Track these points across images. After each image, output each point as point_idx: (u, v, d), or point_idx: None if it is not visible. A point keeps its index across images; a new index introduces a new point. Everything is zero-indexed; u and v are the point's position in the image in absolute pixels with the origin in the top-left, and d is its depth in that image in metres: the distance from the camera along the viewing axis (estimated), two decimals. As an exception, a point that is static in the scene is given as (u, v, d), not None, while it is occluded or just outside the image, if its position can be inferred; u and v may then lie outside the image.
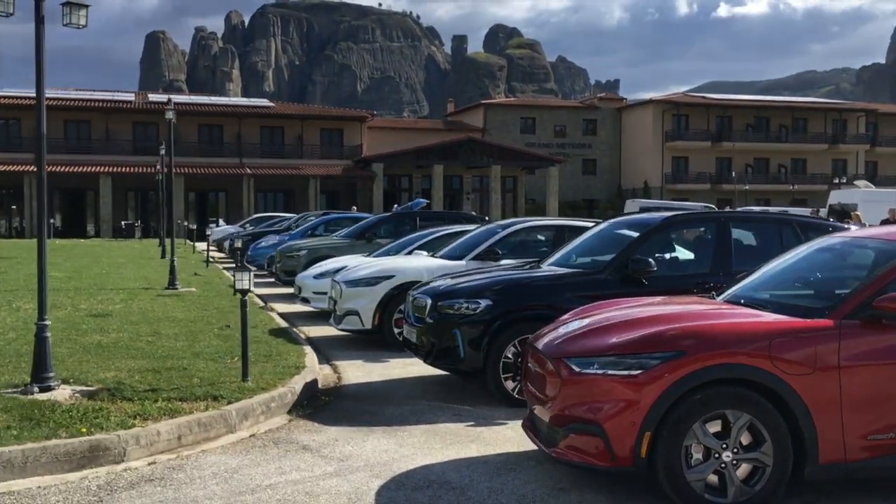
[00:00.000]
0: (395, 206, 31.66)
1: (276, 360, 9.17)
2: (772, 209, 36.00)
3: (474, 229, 13.57)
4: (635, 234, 8.72)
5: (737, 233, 8.54)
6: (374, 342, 11.30)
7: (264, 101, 64.97)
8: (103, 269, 20.42)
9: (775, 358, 4.82)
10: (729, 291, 6.31)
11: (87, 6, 7.86)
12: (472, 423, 7.27)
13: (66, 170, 48.81)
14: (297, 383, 8.10)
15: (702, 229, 8.75)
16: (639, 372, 4.87)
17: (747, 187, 61.54)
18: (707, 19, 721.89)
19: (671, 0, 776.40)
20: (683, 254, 8.62)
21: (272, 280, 19.94)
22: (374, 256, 14.83)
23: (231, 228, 36.54)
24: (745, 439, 4.86)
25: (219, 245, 31.71)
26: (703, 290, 7.60)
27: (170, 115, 17.68)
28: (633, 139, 69.46)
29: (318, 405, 7.93)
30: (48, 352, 7.41)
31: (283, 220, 30.93)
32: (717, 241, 8.42)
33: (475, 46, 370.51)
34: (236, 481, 5.68)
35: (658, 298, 6.35)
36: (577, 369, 5.12)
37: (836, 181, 60.07)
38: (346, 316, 11.18)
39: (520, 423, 6.33)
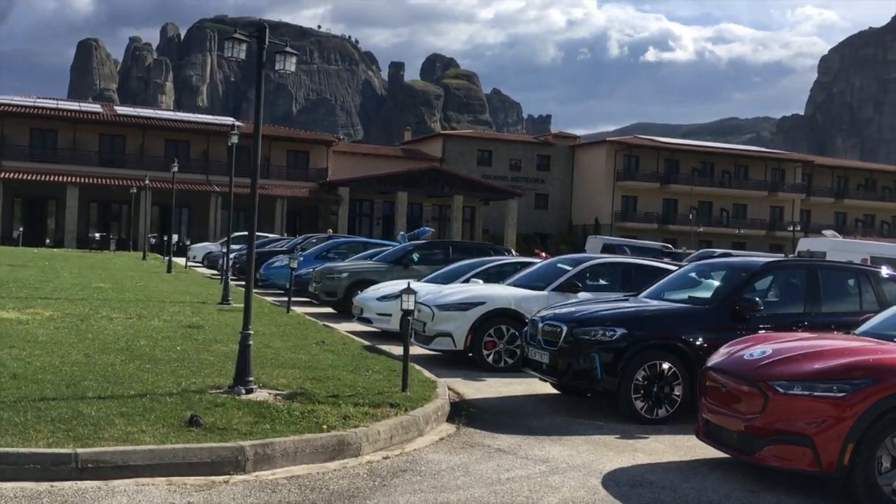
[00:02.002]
0: (402, 233, 32.60)
1: (400, 374, 10.15)
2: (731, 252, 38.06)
3: (536, 262, 14.91)
4: (720, 276, 10.08)
5: (822, 279, 9.91)
6: (459, 362, 12.32)
7: (230, 120, 65.24)
8: (137, 283, 20.96)
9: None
10: (862, 329, 7.61)
11: None
12: (618, 435, 8.38)
13: (32, 177, 48.45)
14: (443, 396, 9.12)
15: (794, 275, 10.09)
16: (843, 395, 6.08)
17: (700, 229, 64.13)
18: (636, 62, 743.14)
19: (603, 42, 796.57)
20: (777, 295, 9.91)
21: (301, 299, 20.83)
22: (425, 282, 15.93)
23: (212, 246, 36.96)
24: (924, 451, 6.11)
25: (210, 262, 32.19)
26: (796, 328, 8.95)
27: (234, 139, 18.48)
28: (585, 177, 71.73)
29: (467, 416, 8.93)
30: (250, 358, 8.32)
31: (277, 240, 31.63)
32: (807, 285, 9.78)
33: (412, 74, 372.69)
34: (477, 474, 6.69)
35: (806, 334, 7.62)
36: (781, 391, 6.32)
37: (799, 229, 62.98)
38: (438, 337, 12.21)
39: (650, 437, 7.57)
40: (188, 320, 13.79)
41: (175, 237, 45.83)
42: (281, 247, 28.77)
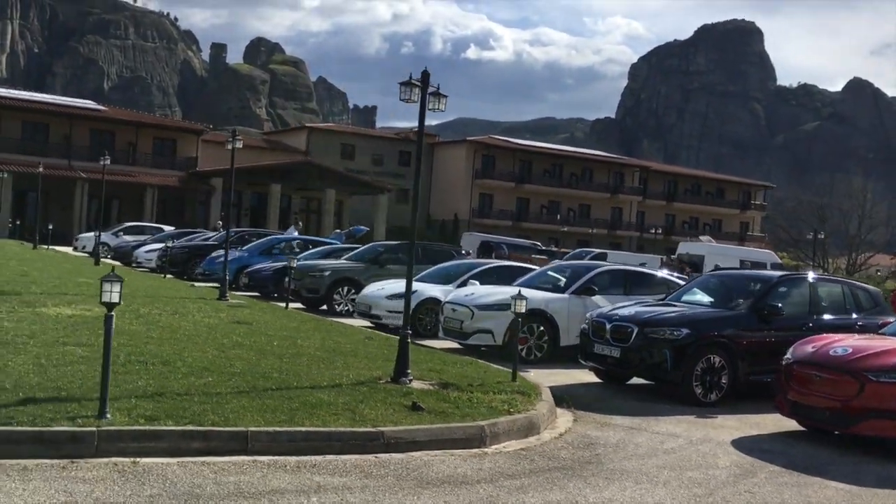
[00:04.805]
0: (337, 230, 33.37)
1: (477, 365, 11.76)
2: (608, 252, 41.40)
3: (517, 265, 16.78)
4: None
5: (820, 289, 12.40)
6: (492, 356, 13.98)
7: (91, 103, 62.93)
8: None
9: None
10: (885, 331, 10.02)
11: None
12: (694, 415, 10.37)
13: None
14: (543, 385, 10.82)
15: (799, 285, 12.50)
16: (921, 381, 8.38)
17: (566, 228, 67.90)
18: (458, 59, 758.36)
19: (426, 36, 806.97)
20: (787, 301, 12.23)
21: (253, 294, 21.73)
22: (416, 281, 17.41)
23: (107, 237, 36.24)
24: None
25: (122, 255, 31.86)
26: (804, 331, 11.30)
27: (239, 144, 19.09)
28: (444, 173, 74.23)
29: (565, 404, 10.67)
30: (408, 353, 9.72)
31: (200, 234, 31.81)
32: (809, 295, 12.23)
33: (235, 57, 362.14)
34: (644, 446, 8.49)
35: (856, 335, 9.94)
36: (874, 379, 8.54)
37: (658, 232, 67.76)
38: (477, 333, 13.88)
39: (719, 417, 9.81)
40: (239, 317, 14.67)
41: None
42: (206, 240, 29.10)
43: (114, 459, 6.20)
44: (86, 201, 51.95)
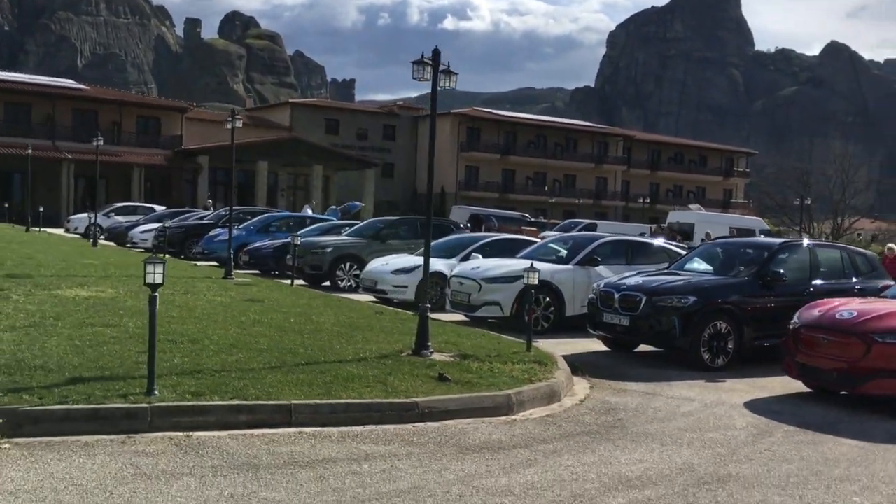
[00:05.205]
0: (332, 207, 33.49)
1: (490, 337, 12.06)
2: (604, 224, 41.79)
3: (519, 238, 17.07)
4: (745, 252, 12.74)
5: (820, 255, 12.77)
6: (501, 327, 14.29)
7: (72, 83, 62.44)
8: (108, 259, 21.26)
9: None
10: (890, 292, 10.39)
11: None
12: (704, 379, 10.73)
13: None
14: (557, 354, 11.14)
15: (798, 253, 12.86)
16: (924, 341, 8.75)
17: (553, 199, 68.15)
18: (435, 29, 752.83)
19: (403, 7, 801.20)
20: (788, 268, 12.58)
21: (253, 272, 21.95)
22: (418, 255, 17.67)
23: (99, 217, 36.14)
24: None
25: (116, 235, 31.90)
26: (805, 296, 11.64)
27: (239, 123, 19.18)
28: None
29: (579, 372, 10.99)
30: (428, 327, 10.01)
31: (194, 213, 31.88)
32: (810, 261, 12.59)
33: (209, 32, 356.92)
34: (663, 410, 8.83)
35: (859, 299, 10.30)
36: (880, 340, 8.90)
37: (645, 201, 68.14)
38: (485, 306, 14.19)
39: (728, 381, 10.19)
40: (252, 295, 14.90)
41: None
42: (202, 219, 29.20)
43: (168, 434, 6.46)
44: (72, 182, 51.70)
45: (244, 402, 6.94)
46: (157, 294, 7.02)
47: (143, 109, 58.76)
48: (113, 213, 37.49)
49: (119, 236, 31.48)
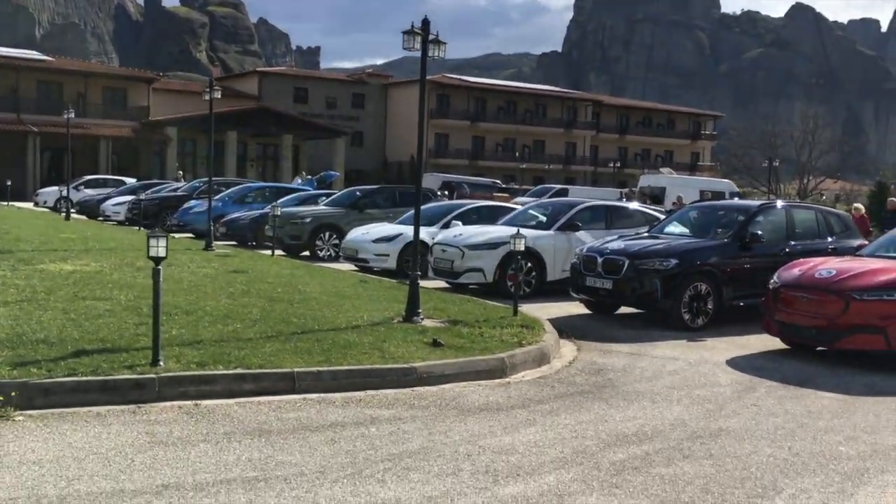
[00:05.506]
0: (308, 177, 33.28)
1: (475, 303, 12.28)
2: (575, 188, 42.09)
3: (501, 206, 17.24)
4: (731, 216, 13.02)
5: (795, 216, 13.09)
6: (484, 293, 14.52)
7: (36, 54, 61.32)
8: (84, 233, 21.16)
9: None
10: (864, 252, 10.73)
11: None
12: (685, 339, 11.04)
13: None
14: (542, 317, 11.38)
15: (774, 214, 13.16)
16: (902, 297, 9.08)
17: (523, 165, 68.23)
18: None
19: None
20: (765, 229, 12.87)
21: (230, 243, 21.97)
22: (398, 224, 17.85)
23: (74, 191, 35.75)
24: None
25: (88, 209, 31.64)
26: (782, 256, 11.97)
27: (217, 94, 19.07)
28: (398, 115, 73.96)
29: (565, 334, 11.24)
30: (418, 294, 10.19)
31: (167, 185, 31.66)
32: (786, 221, 12.91)
33: (171, 0, 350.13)
34: (649, 370, 9.11)
35: (836, 258, 10.62)
36: (857, 297, 9.23)
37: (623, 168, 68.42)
38: (468, 272, 14.38)
39: (709, 340, 10.56)
40: (236, 266, 14.99)
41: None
42: (175, 191, 29.06)
43: (177, 403, 6.61)
44: (38, 155, 51.02)
45: (249, 371, 7.10)
46: (160, 267, 7.12)
47: (110, 80, 57.92)
48: (83, 187, 37.14)
49: (91, 209, 31.24)
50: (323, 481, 5.07)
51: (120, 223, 29.01)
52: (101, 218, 30.00)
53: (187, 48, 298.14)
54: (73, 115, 30.39)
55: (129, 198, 28.19)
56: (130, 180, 38.09)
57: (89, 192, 35.25)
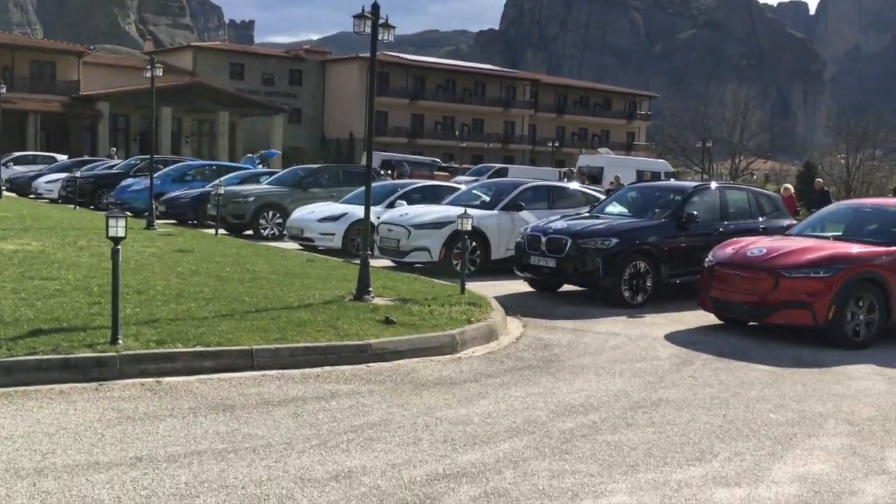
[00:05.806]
0: (249, 155, 32.91)
1: (423, 281, 12.55)
2: (516, 168, 42.54)
3: (445, 185, 17.50)
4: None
5: (728, 197, 13.64)
6: (430, 272, 14.78)
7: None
8: (22, 211, 20.79)
9: (882, 266, 9.83)
10: (794, 230, 11.31)
11: None
12: (626, 316, 11.49)
13: None
14: (489, 296, 11.71)
15: (710, 195, 13.69)
16: (828, 275, 9.62)
17: (462, 144, 68.46)
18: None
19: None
20: (701, 209, 13.37)
21: (170, 221, 21.83)
22: (343, 203, 18.00)
23: (4, 168, 34.87)
24: (868, 307, 9.82)
25: (19, 186, 30.94)
26: (716, 235, 12.50)
27: (159, 72, 18.82)
28: (337, 92, 73.62)
29: (511, 312, 11.58)
30: (369, 273, 10.42)
31: (102, 163, 31.11)
32: (720, 202, 13.46)
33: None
34: (593, 345, 9.50)
35: (767, 238, 11.15)
36: (786, 275, 9.75)
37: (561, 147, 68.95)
38: (414, 252, 14.63)
39: (648, 316, 11.05)
40: (181, 245, 14.99)
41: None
42: (111, 169, 28.62)
43: (139, 380, 6.75)
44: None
45: (208, 349, 7.26)
46: (119, 247, 7.22)
47: (37, 53, 56.45)
48: (11, 164, 36.22)
49: (22, 187, 30.61)
50: (290, 452, 5.31)
51: (53, 201, 28.52)
52: (32, 196, 29.41)
53: (115, 20, 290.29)
54: (4, 90, 29.58)
55: (63, 175, 27.69)
56: (61, 157, 37.28)
57: (19, 168, 34.46)
